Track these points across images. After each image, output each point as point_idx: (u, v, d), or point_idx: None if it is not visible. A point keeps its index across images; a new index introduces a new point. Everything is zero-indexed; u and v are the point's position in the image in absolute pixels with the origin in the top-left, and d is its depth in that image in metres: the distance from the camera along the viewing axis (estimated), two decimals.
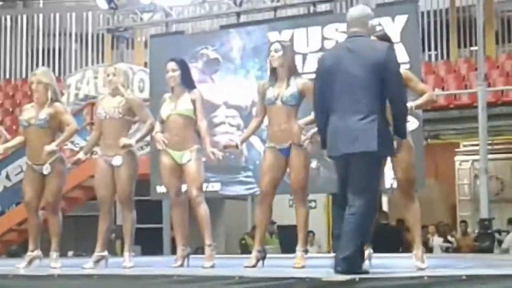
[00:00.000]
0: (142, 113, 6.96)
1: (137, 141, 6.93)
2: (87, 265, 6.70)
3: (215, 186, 11.39)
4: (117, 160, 6.80)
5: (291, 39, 10.73)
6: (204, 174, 6.76)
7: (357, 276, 4.71)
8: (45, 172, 7.06)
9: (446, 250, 14.28)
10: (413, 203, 5.80)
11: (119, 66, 7.18)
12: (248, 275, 5.12)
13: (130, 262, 6.74)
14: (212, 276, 5.24)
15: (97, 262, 6.85)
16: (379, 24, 10.21)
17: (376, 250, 6.26)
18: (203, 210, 6.64)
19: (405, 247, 12.14)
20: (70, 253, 13.38)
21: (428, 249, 13.78)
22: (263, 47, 11.23)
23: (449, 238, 14.64)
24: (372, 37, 5.66)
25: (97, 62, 20.08)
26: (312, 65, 10.76)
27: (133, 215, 7.00)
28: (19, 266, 6.95)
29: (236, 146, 6.64)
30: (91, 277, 5.77)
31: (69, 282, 5.81)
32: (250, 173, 11.27)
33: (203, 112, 6.77)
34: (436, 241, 14.40)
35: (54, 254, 7.10)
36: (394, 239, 13.15)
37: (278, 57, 6.38)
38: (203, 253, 6.76)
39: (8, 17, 21.89)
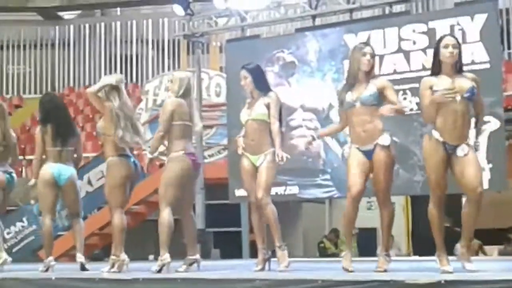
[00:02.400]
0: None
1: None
2: (180, 269, 6.80)
3: (293, 189, 11.36)
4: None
5: (368, 41, 10.65)
6: (273, 177, 6.79)
7: (442, 279, 4.66)
8: None
9: None
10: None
11: (176, 74, 7.33)
12: (330, 279, 5.11)
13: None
14: (295, 280, 5.25)
15: (190, 265, 6.94)
16: (458, 24, 10.14)
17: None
18: (270, 211, 6.69)
19: None
20: (150, 257, 13.57)
21: None
22: (339, 50, 11.20)
23: None
24: None
25: (173, 68, 20.34)
26: (389, 66, 10.68)
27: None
28: (104, 270, 7.09)
29: (313, 138, 6.72)
30: (175, 281, 5.84)
31: (153, 286, 5.90)
32: (328, 176, 11.21)
33: (276, 115, 6.82)
34: None
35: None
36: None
37: (373, 62, 6.36)
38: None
39: (87, 25, 22.36)
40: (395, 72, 10.63)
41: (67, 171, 7.84)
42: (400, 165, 10.28)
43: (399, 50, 10.69)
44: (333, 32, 11.49)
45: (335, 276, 5.31)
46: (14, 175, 8.38)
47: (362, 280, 4.94)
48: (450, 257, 5.68)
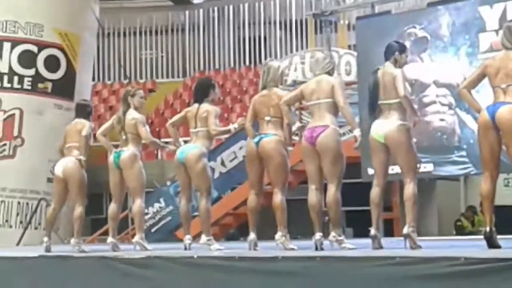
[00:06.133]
0: None
1: None
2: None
3: (427, 167, 11.17)
4: None
5: (504, 13, 10.32)
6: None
7: None
8: None
9: None
10: None
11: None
12: (474, 256, 5.01)
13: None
14: (437, 258, 5.17)
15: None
16: None
17: None
18: None
19: None
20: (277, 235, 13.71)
21: None
22: (473, 23, 10.89)
23: None
24: None
25: (301, 48, 20.32)
26: None
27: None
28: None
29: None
30: (314, 259, 5.87)
31: (292, 263, 5.95)
32: (463, 153, 10.96)
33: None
34: None
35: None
36: None
37: None
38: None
39: (216, 9, 22.64)
40: None
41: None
42: None
43: None
44: (467, 5, 11.17)
45: (478, 253, 5.20)
46: (126, 153, 8.33)
47: (507, 257, 4.81)
48: None
